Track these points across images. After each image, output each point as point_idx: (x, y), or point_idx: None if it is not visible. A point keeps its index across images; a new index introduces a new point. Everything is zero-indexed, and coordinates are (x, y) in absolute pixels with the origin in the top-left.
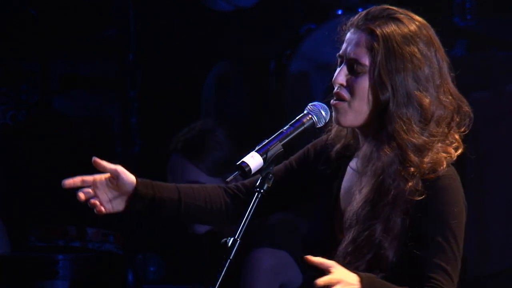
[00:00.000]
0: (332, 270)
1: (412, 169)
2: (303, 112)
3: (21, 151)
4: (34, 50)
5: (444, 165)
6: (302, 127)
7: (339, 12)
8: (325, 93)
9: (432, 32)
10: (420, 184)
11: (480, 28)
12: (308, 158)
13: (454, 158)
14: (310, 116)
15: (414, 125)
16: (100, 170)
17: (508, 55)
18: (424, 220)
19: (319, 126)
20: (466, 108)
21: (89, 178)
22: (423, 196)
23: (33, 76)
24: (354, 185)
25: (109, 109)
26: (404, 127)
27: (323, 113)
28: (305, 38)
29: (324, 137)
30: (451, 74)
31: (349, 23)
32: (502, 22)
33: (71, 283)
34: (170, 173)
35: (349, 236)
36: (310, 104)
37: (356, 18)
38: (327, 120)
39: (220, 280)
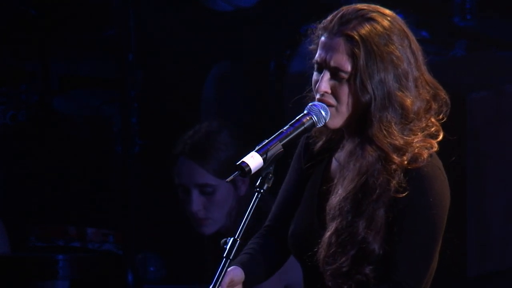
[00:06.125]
0: None
1: (394, 166)
2: (303, 112)
3: (21, 151)
4: (34, 50)
5: (425, 156)
6: (302, 127)
7: None
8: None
9: (403, 23)
10: (402, 179)
11: (480, 28)
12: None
13: (436, 148)
14: (310, 116)
15: (394, 127)
16: None
17: (508, 55)
18: (402, 213)
19: (319, 126)
20: (443, 95)
21: None
22: (407, 192)
23: (33, 76)
24: (337, 177)
25: (109, 109)
26: (384, 131)
27: (323, 113)
28: (305, 38)
29: (302, 138)
30: (425, 60)
31: (321, 27)
32: (502, 22)
33: (71, 283)
34: (177, 176)
35: (332, 227)
36: (310, 104)
37: (328, 22)
38: (327, 120)
39: (220, 280)
